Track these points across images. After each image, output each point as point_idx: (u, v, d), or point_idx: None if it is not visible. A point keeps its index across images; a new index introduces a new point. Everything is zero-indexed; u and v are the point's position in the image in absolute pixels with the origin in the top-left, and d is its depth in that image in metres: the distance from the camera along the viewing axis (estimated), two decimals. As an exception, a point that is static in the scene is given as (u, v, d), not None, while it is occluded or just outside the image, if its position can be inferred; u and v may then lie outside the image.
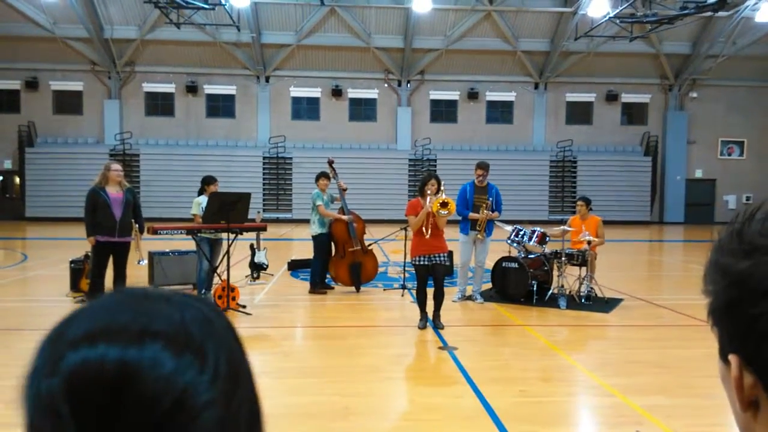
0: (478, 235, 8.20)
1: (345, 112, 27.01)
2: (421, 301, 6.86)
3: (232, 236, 7.43)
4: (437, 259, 6.71)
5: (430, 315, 6.87)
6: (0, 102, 25.69)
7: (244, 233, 7.87)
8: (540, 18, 25.10)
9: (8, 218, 24.70)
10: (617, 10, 20.61)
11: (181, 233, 7.65)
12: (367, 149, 26.55)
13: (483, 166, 8.35)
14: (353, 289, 9.11)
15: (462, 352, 5.83)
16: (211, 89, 26.49)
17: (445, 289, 6.97)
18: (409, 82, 26.82)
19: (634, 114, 28.04)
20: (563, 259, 8.27)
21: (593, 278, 8.46)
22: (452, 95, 27.21)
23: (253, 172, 25.71)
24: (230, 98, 26.72)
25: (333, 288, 9.25)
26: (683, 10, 19.71)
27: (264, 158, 26.13)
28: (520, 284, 8.22)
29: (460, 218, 8.33)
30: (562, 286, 8.22)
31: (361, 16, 25.03)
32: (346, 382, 4.89)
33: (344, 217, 8.98)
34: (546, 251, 8.63)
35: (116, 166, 7.49)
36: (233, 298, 7.53)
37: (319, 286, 8.99)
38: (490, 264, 8.67)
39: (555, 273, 8.49)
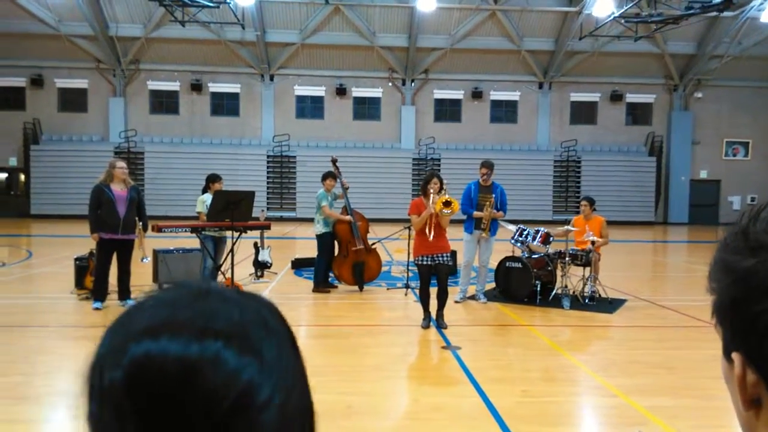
0: (483, 234, 8.19)
1: (349, 110, 27.03)
2: (425, 301, 6.87)
3: (236, 234, 7.45)
4: (440, 258, 6.71)
5: (433, 314, 6.88)
6: (5, 99, 25.79)
7: (248, 231, 7.88)
8: (545, 17, 25.06)
9: (13, 215, 24.80)
10: (622, 10, 20.56)
11: (186, 231, 7.67)
12: (371, 148, 26.56)
13: (487, 165, 8.34)
14: (357, 288, 9.12)
15: (465, 351, 5.83)
16: (215, 87, 26.54)
17: (448, 288, 6.96)
18: (413, 81, 26.82)
19: (638, 114, 27.98)
20: (567, 259, 8.27)
21: (597, 279, 8.45)
22: (456, 94, 27.20)
23: (257, 171, 25.75)
24: (235, 96, 26.76)
25: (336, 287, 9.26)
26: (688, 9, 19.66)
27: (268, 156, 26.16)
28: (524, 284, 8.21)
29: (465, 217, 8.32)
30: (566, 287, 8.21)
31: (365, 15, 25.03)
32: (349, 381, 4.90)
33: (347, 218, 8.98)
34: (550, 251, 8.63)
35: (121, 164, 7.51)
36: (237, 296, 7.52)
37: (322, 285, 9.00)
38: (493, 264, 8.67)
39: (559, 273, 8.49)
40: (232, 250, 7.45)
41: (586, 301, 8.23)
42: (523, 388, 4.80)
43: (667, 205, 27.61)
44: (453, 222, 6.90)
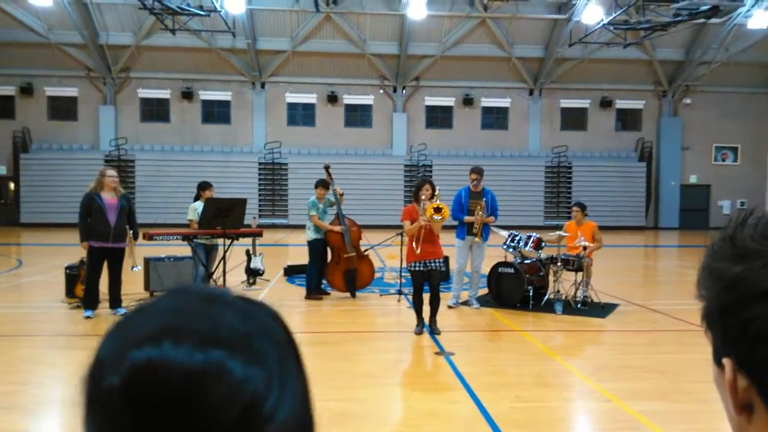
0: (476, 239, 8.20)
1: (340, 118, 27.05)
2: (418, 307, 6.86)
3: (228, 242, 7.43)
4: (433, 264, 6.71)
5: (426, 320, 6.87)
6: (-6, 108, 25.64)
7: (240, 239, 7.87)
8: (534, 25, 25.22)
9: (3, 224, 24.62)
10: (611, 17, 20.73)
11: (177, 239, 7.64)
12: (362, 155, 26.58)
13: (477, 171, 8.36)
14: (349, 294, 9.10)
15: (458, 357, 5.83)
16: (206, 95, 26.50)
17: (441, 294, 6.96)
18: (404, 88, 26.89)
19: (628, 120, 28.17)
20: (559, 264, 8.29)
21: (589, 283, 8.48)
22: (447, 101, 27.29)
23: (248, 178, 25.70)
24: (226, 104, 26.73)
25: (329, 294, 9.24)
26: (676, 16, 19.86)
27: (260, 164, 26.12)
28: (517, 289, 8.22)
29: (456, 223, 8.34)
30: (558, 292, 8.24)
31: (356, 23, 25.10)
32: (342, 388, 4.89)
33: (336, 229, 8.94)
34: (542, 256, 8.65)
35: (111, 172, 7.47)
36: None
37: (315, 292, 8.98)
38: (486, 269, 8.68)
39: (551, 278, 8.51)
40: (224, 258, 7.42)
41: (579, 305, 8.25)
42: (516, 393, 4.80)
43: (658, 210, 27.78)
44: (445, 227, 6.91)
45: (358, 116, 27.21)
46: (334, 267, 9.05)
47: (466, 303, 8.48)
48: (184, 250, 8.83)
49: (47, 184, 24.49)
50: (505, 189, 22.98)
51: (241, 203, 7.59)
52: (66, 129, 26.07)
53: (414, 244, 6.70)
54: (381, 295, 9.31)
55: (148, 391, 0.47)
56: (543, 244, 8.58)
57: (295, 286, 10.08)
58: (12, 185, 25.72)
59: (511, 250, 8.72)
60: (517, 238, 8.67)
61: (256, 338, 0.52)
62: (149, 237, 7.22)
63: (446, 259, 8.46)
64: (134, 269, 7.95)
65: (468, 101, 27.00)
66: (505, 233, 8.83)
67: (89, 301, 7.30)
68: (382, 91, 26.98)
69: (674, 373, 5.40)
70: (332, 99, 26.55)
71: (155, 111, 26.60)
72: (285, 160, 26.15)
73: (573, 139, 27.45)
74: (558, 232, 8.59)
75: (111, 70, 25.64)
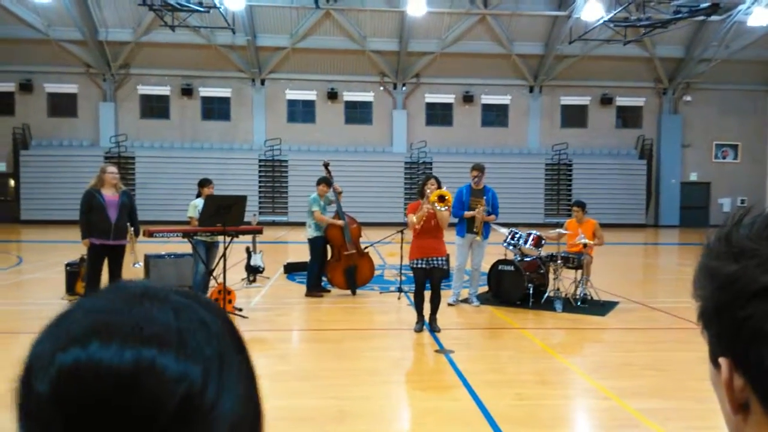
0: (477, 237, 8.19)
1: (340, 115, 27.03)
2: (418, 304, 6.86)
3: (228, 239, 7.42)
4: (435, 262, 6.70)
5: (426, 318, 6.88)
6: (-6, 104, 25.63)
7: (240, 236, 7.86)
8: (534, 21, 25.18)
9: (3, 221, 24.60)
10: (611, 14, 20.70)
11: (177, 236, 7.64)
12: (362, 152, 26.56)
13: (478, 168, 8.36)
14: (349, 292, 9.11)
15: (458, 355, 5.84)
16: (206, 92, 26.47)
17: (441, 292, 6.97)
18: (404, 85, 26.86)
19: (628, 117, 28.14)
20: (559, 262, 8.30)
21: (589, 281, 8.48)
22: (447, 98, 27.26)
23: (248, 175, 25.69)
24: (225, 101, 26.71)
25: (329, 291, 9.25)
26: (677, 14, 19.83)
27: (260, 161, 26.11)
28: (517, 287, 8.23)
29: (456, 221, 8.33)
30: (558, 289, 8.24)
31: (356, 20, 25.06)
32: (342, 386, 4.89)
33: (338, 222, 8.97)
34: (542, 254, 8.66)
35: (112, 169, 7.47)
36: (229, 301, 7.52)
37: (315, 289, 8.99)
38: (486, 267, 8.69)
39: (551, 276, 8.51)
40: (224, 255, 7.42)
41: (578, 303, 8.25)
42: (516, 390, 4.81)
43: (658, 207, 27.77)
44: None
45: (358, 113, 27.19)
46: (334, 264, 9.06)
47: (466, 301, 8.48)
48: (185, 247, 8.83)
49: (47, 181, 24.48)
50: (505, 186, 22.97)
51: (242, 200, 7.58)
52: (66, 126, 26.06)
53: (418, 225, 6.63)
54: (381, 293, 9.32)
55: (78, 395, 0.46)
56: (543, 241, 8.59)
57: (295, 284, 10.09)
58: (12, 182, 25.71)
59: (511, 247, 8.72)
60: (517, 235, 8.67)
61: (191, 333, 0.51)
62: (149, 234, 7.22)
63: (448, 258, 8.46)
64: (135, 266, 7.95)
65: (468, 98, 26.97)
66: (505, 231, 8.83)
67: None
68: (382, 88, 26.95)
69: (674, 371, 5.41)
70: (332, 96, 26.53)
71: (155, 108, 26.58)
72: (285, 157, 26.13)
73: (573, 137, 27.43)
74: (558, 230, 8.59)
75: (110, 66, 25.61)
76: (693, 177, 27.99)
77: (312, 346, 6.47)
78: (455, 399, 4.60)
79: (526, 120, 27.59)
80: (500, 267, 8.44)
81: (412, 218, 6.73)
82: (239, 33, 24.20)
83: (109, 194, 7.29)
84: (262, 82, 26.53)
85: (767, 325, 0.53)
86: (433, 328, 6.75)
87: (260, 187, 26.00)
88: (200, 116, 26.64)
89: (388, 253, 13.79)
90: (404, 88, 26.93)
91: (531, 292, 8.25)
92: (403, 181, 26.19)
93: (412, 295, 7.51)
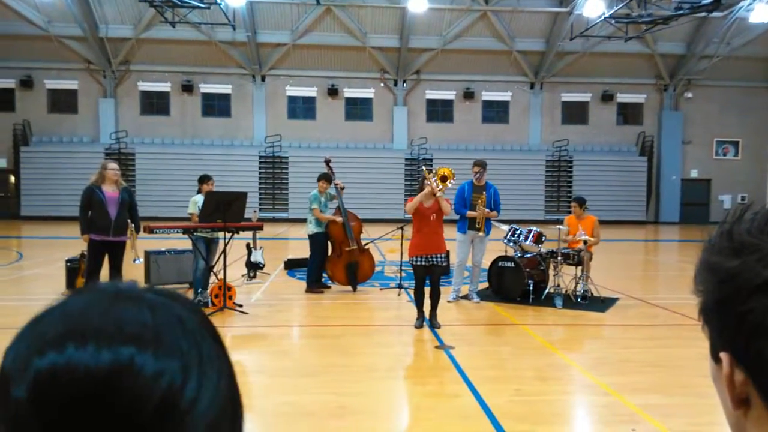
0: (479, 233, 8.19)
1: (341, 111, 27.01)
2: (418, 301, 6.87)
3: (228, 235, 7.43)
4: (435, 259, 6.70)
5: (426, 314, 6.88)
6: (-5, 101, 25.62)
7: (241, 232, 7.86)
8: (535, 18, 25.14)
9: (3, 217, 24.63)
10: (612, 11, 20.65)
11: (178, 232, 7.64)
12: (363, 149, 26.56)
13: (480, 164, 8.35)
14: (350, 288, 9.11)
15: (458, 351, 5.84)
16: (206, 88, 26.46)
17: (441, 288, 6.97)
18: (405, 81, 26.83)
19: (629, 114, 28.12)
20: (559, 258, 8.30)
21: (589, 277, 8.48)
22: (448, 95, 27.23)
23: (249, 172, 25.69)
24: (226, 97, 26.69)
25: (330, 287, 9.26)
26: (678, 10, 19.78)
27: (260, 157, 26.11)
28: (517, 283, 8.23)
29: (458, 217, 8.33)
30: (558, 286, 8.24)
31: (356, 16, 25.02)
32: (342, 382, 4.90)
33: (338, 219, 8.96)
34: (542, 250, 8.66)
35: (113, 165, 7.47)
36: (230, 298, 7.53)
37: (315, 286, 8.99)
38: (486, 263, 8.69)
39: (551, 272, 8.52)
40: (224, 251, 7.43)
41: (579, 299, 8.26)
42: (516, 386, 4.82)
43: (659, 204, 27.76)
44: (446, 222, 6.90)
45: (358, 110, 27.17)
46: (335, 260, 9.06)
47: (466, 297, 8.49)
48: (185, 243, 8.84)
49: (47, 177, 24.49)
50: (505, 183, 22.93)
51: (242, 196, 7.59)
52: (66, 122, 26.06)
53: (426, 203, 6.67)
54: (381, 289, 9.32)
55: (57, 400, 0.45)
56: (543, 238, 8.59)
57: (296, 280, 10.09)
58: (12, 178, 25.71)
59: (511, 244, 8.72)
60: (518, 232, 8.67)
61: (168, 330, 0.50)
62: (150, 230, 7.22)
63: (448, 255, 8.46)
64: (135, 262, 7.95)
65: (469, 95, 26.95)
66: (505, 227, 8.83)
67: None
68: (382, 85, 26.93)
69: (674, 367, 5.41)
70: (333, 92, 26.50)
71: (155, 104, 26.56)
72: (285, 153, 26.13)
73: (574, 133, 27.41)
74: (559, 227, 8.58)
75: (111, 62, 25.59)
76: (693, 174, 27.97)
77: (312, 342, 6.47)
78: (455, 395, 4.61)
79: (526, 117, 27.57)
80: (500, 263, 8.44)
81: (411, 204, 6.74)
82: (240, 29, 24.18)
83: (110, 191, 7.29)
84: (263, 79, 26.51)
85: None
86: (434, 325, 6.75)
87: (260, 183, 26.00)
88: (201, 113, 26.63)
89: (388, 249, 13.80)
90: (405, 85, 26.90)
91: (531, 288, 8.25)
92: (403, 178, 26.19)
93: (412, 292, 7.51)
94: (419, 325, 6.78)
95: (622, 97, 27.71)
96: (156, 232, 7.26)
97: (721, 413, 0.61)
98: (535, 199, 26.55)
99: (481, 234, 8.19)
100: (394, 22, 25.11)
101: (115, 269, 7.40)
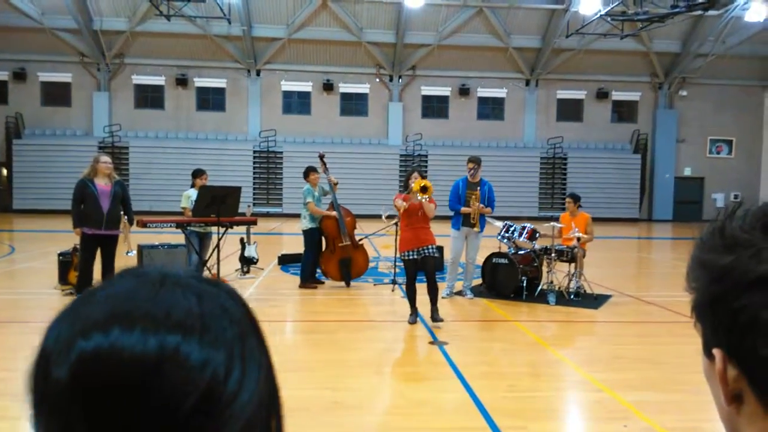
0: (474, 228, 8.19)
1: (336, 106, 26.96)
2: (411, 296, 6.86)
3: (222, 230, 7.41)
4: (426, 251, 6.69)
5: (420, 310, 6.88)
6: (-13, 93, 25.44)
7: (234, 227, 7.85)
8: (531, 15, 25.14)
9: (-5, 210, 24.49)
10: (608, 8, 20.66)
11: (171, 226, 7.62)
12: (358, 144, 26.52)
13: (474, 160, 8.34)
14: (343, 283, 9.11)
15: (452, 347, 5.85)
16: (201, 82, 26.34)
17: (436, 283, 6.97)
18: (400, 77, 26.79)
19: (624, 112, 28.18)
20: (553, 255, 8.32)
21: (582, 274, 8.51)
22: (444, 91, 27.22)
23: (243, 166, 25.62)
24: (221, 91, 26.59)
25: (323, 283, 9.25)
26: (674, 8, 19.79)
27: (254, 152, 26.04)
28: (510, 280, 8.25)
29: (452, 213, 8.34)
30: (552, 282, 8.26)
31: (352, 11, 24.95)
32: (335, 377, 4.90)
33: (332, 213, 8.95)
34: (536, 247, 8.67)
35: (105, 158, 7.43)
36: (223, 292, 7.50)
37: (309, 281, 8.98)
38: (480, 260, 8.70)
39: (544, 269, 8.54)
40: (218, 246, 7.41)
41: (572, 296, 8.28)
42: (509, 382, 4.83)
43: (652, 202, 27.85)
44: (440, 218, 6.91)
45: (353, 105, 27.12)
46: (329, 256, 9.05)
47: (460, 293, 8.50)
48: (178, 237, 8.82)
49: (40, 170, 24.34)
50: (500, 180, 22.91)
51: (236, 191, 7.57)
52: (59, 115, 25.90)
53: (404, 204, 6.68)
54: (375, 285, 9.32)
55: (99, 383, 0.44)
56: (537, 234, 8.60)
57: (289, 275, 10.08)
58: (5, 171, 25.56)
59: (505, 240, 8.74)
60: (512, 228, 8.68)
61: (213, 319, 0.50)
62: (143, 224, 7.20)
63: (440, 249, 8.47)
64: (129, 254, 7.93)
65: (464, 91, 26.94)
66: (500, 224, 8.84)
67: (82, 288, 7.27)
68: (378, 80, 26.88)
69: (666, 363, 5.44)
70: (328, 87, 26.44)
71: (149, 97, 26.44)
72: (280, 148, 26.06)
73: (569, 131, 27.44)
74: (552, 223, 8.59)
75: (105, 55, 25.44)
76: (687, 172, 28.08)
77: (306, 338, 6.47)
78: (448, 390, 4.62)
79: (521, 113, 27.59)
80: (494, 260, 8.45)
81: (398, 202, 6.81)
82: (235, 23, 24.06)
83: (102, 184, 7.26)
84: (258, 73, 26.42)
85: (762, 315, 0.53)
86: (435, 319, 6.67)
87: (255, 178, 25.93)
88: (195, 106, 26.52)
89: (382, 245, 13.80)
90: (400, 80, 26.86)
91: (525, 284, 8.27)
92: (398, 174, 26.14)
93: (405, 288, 7.50)
94: (413, 321, 6.78)
95: (617, 95, 27.76)
96: (149, 227, 7.24)
97: (714, 410, 0.61)
98: (530, 196, 26.59)
99: (475, 230, 8.20)
100: (390, 17, 25.06)
101: (108, 263, 7.38)
